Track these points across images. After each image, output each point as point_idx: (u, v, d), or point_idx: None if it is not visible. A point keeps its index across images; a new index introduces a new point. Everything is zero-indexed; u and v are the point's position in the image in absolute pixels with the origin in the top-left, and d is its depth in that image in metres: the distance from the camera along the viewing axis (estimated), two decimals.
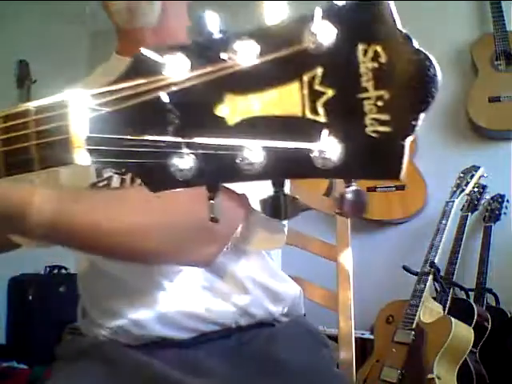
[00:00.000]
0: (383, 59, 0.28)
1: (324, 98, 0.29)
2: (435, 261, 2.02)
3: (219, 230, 0.74)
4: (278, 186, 0.32)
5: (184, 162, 0.32)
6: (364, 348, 2.18)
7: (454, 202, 2.12)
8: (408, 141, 0.29)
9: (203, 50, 0.31)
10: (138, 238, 0.72)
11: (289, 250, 1.10)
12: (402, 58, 0.28)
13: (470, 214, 2.27)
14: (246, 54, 0.30)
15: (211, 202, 0.33)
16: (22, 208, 0.64)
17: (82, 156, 0.34)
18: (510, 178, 2.34)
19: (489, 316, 2.01)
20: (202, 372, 0.84)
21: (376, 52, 0.28)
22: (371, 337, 2.15)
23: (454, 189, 2.17)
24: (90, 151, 0.34)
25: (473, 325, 1.90)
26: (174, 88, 0.31)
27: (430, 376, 1.74)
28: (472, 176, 2.17)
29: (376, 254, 2.59)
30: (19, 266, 2.69)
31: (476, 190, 2.25)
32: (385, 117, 0.28)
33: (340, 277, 1.11)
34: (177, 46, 0.31)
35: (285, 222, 0.91)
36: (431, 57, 0.28)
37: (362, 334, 2.23)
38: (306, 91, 0.29)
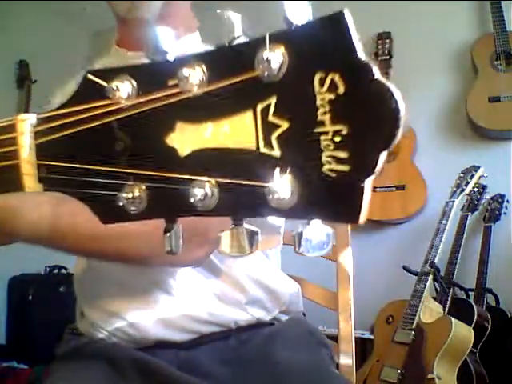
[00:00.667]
0: (341, 90, 0.26)
1: (279, 131, 0.27)
2: (435, 261, 2.02)
3: (210, 234, 0.74)
4: (237, 219, 0.30)
5: (134, 194, 0.30)
6: (364, 348, 2.18)
7: (453, 202, 2.12)
8: (368, 182, 0.26)
9: (152, 75, 0.29)
10: (126, 242, 0.72)
11: (289, 249, 1.10)
12: (361, 90, 0.25)
13: (470, 213, 2.27)
14: (195, 81, 0.28)
15: (167, 235, 0.31)
16: (8, 212, 0.64)
17: (32, 184, 0.32)
18: (510, 177, 2.34)
19: (489, 316, 2.01)
20: (201, 373, 0.84)
21: (333, 82, 0.26)
22: (371, 337, 2.15)
23: (454, 189, 2.17)
24: (41, 179, 0.32)
25: (473, 325, 1.90)
26: (123, 114, 0.30)
27: (430, 376, 1.75)
28: (472, 176, 2.17)
29: (376, 254, 2.59)
30: (19, 265, 2.70)
31: (476, 190, 2.25)
32: (343, 154, 0.26)
33: (340, 277, 1.11)
34: (126, 68, 0.30)
35: (281, 223, 0.90)
36: (393, 88, 0.25)
37: (362, 334, 2.23)
38: (259, 123, 0.27)
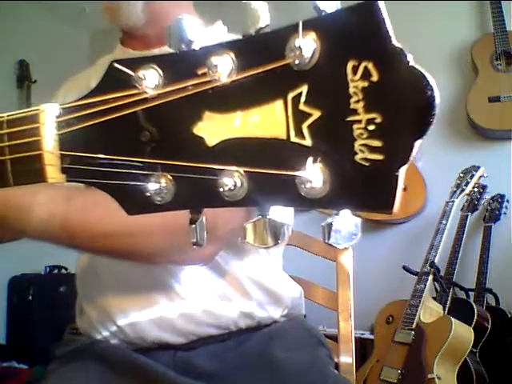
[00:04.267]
0: (375, 78, 0.25)
1: (310, 120, 0.26)
2: (435, 261, 2.02)
3: (218, 231, 0.74)
4: (263, 210, 0.29)
5: (161, 184, 0.29)
6: (364, 348, 2.18)
7: (454, 202, 2.13)
8: (402, 171, 0.25)
9: (179, 64, 0.29)
10: (137, 239, 0.72)
11: (289, 250, 1.10)
12: (395, 77, 0.25)
13: (470, 213, 2.27)
14: (224, 69, 0.27)
15: (193, 226, 0.30)
16: (17, 209, 0.64)
17: (55, 174, 0.32)
18: (510, 177, 2.34)
19: (489, 316, 2.01)
20: (198, 374, 0.83)
21: (367, 69, 0.25)
22: (371, 337, 2.15)
23: (454, 189, 2.17)
24: (64, 169, 0.32)
25: (473, 325, 1.90)
26: (149, 104, 0.29)
27: (430, 376, 1.75)
28: (472, 176, 2.17)
29: (376, 254, 2.59)
30: (20, 265, 2.70)
31: (476, 190, 2.25)
32: (376, 143, 0.25)
33: (340, 277, 1.10)
34: (152, 58, 0.29)
35: (290, 221, 0.90)
36: (429, 76, 0.25)
37: (362, 334, 2.24)
38: (290, 111, 0.27)
